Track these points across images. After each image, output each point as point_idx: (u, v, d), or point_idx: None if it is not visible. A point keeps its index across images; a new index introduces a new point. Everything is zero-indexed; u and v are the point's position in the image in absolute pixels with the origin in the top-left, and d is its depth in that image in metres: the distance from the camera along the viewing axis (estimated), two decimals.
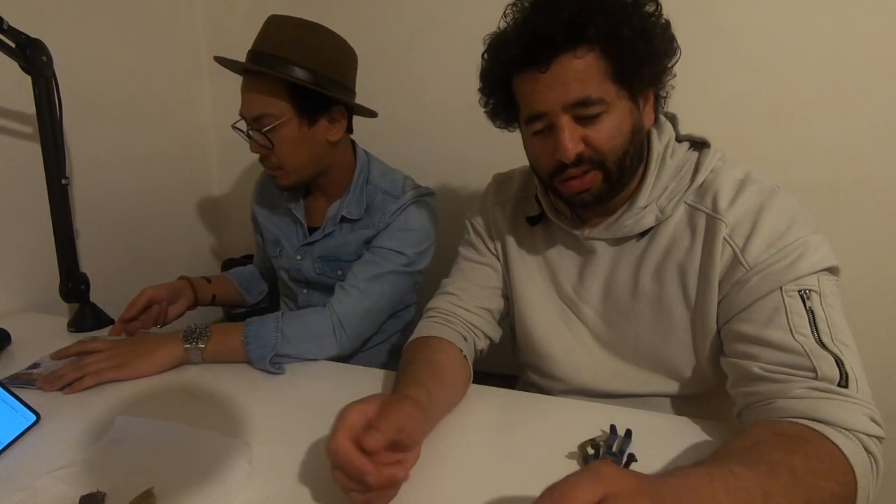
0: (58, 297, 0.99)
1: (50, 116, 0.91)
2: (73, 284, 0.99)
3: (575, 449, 0.60)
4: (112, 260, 1.30)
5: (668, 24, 0.63)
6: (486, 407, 0.70)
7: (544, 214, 0.78)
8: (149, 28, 1.35)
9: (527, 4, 0.63)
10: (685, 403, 0.74)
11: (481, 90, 0.72)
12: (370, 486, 0.47)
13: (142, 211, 1.39)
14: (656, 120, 0.70)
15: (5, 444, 0.60)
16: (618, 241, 0.72)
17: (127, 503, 0.49)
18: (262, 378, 0.79)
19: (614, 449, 0.57)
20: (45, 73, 0.89)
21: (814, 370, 0.53)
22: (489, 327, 0.82)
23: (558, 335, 0.78)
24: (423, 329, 0.77)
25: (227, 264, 1.51)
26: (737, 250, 0.62)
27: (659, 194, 0.68)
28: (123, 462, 0.57)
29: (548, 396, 0.77)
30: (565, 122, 0.62)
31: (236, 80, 0.95)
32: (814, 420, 0.50)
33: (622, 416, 0.65)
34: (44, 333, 0.91)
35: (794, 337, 0.56)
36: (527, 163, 0.75)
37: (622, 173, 0.65)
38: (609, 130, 0.62)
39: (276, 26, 0.91)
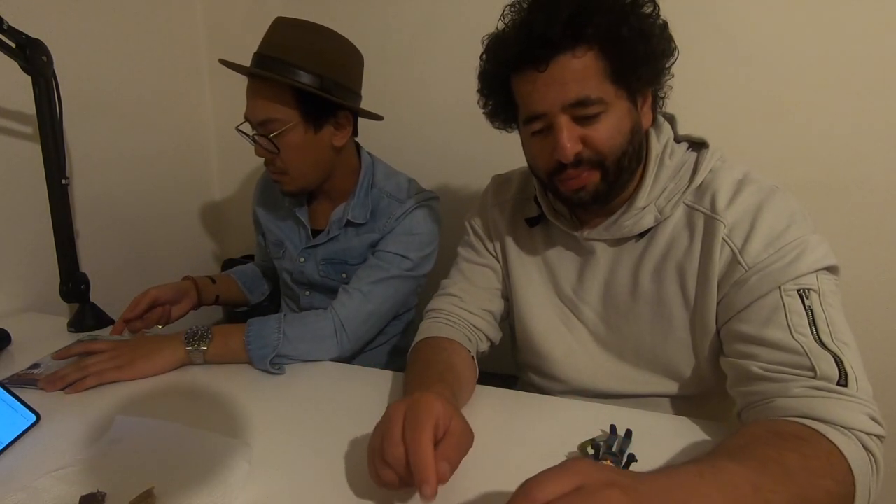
0: (58, 297, 0.99)
1: (50, 116, 0.91)
2: (73, 284, 0.99)
3: (575, 449, 0.60)
4: (112, 260, 1.30)
5: (665, 25, 0.63)
6: (486, 407, 0.70)
7: (543, 216, 0.78)
8: (149, 28, 1.35)
9: (525, 5, 0.63)
10: (685, 404, 0.74)
11: (480, 91, 0.72)
12: (410, 484, 0.47)
13: (142, 211, 1.39)
14: (654, 120, 0.70)
15: (5, 444, 0.60)
16: (617, 242, 0.72)
17: (127, 503, 0.49)
18: (262, 378, 0.79)
19: (614, 449, 0.57)
20: (45, 73, 0.89)
21: (813, 369, 0.53)
22: (491, 329, 0.82)
23: (558, 336, 0.78)
24: (431, 330, 0.77)
25: (227, 264, 1.50)
26: (735, 250, 0.62)
27: (658, 195, 0.68)
28: (123, 462, 0.57)
29: (548, 396, 0.77)
30: (564, 122, 0.62)
31: (237, 81, 0.95)
32: (812, 419, 0.50)
33: (622, 416, 0.65)
34: (44, 333, 0.91)
35: (793, 336, 0.56)
36: (526, 164, 0.75)
37: (620, 173, 0.65)
38: (608, 130, 0.62)
39: (283, 29, 0.90)
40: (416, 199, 0.99)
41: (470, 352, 0.75)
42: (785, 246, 0.60)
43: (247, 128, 0.93)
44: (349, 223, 1.01)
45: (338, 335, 0.87)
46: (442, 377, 0.63)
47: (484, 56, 0.69)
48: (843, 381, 0.52)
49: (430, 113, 1.36)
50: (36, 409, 0.65)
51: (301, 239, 1.07)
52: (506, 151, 0.90)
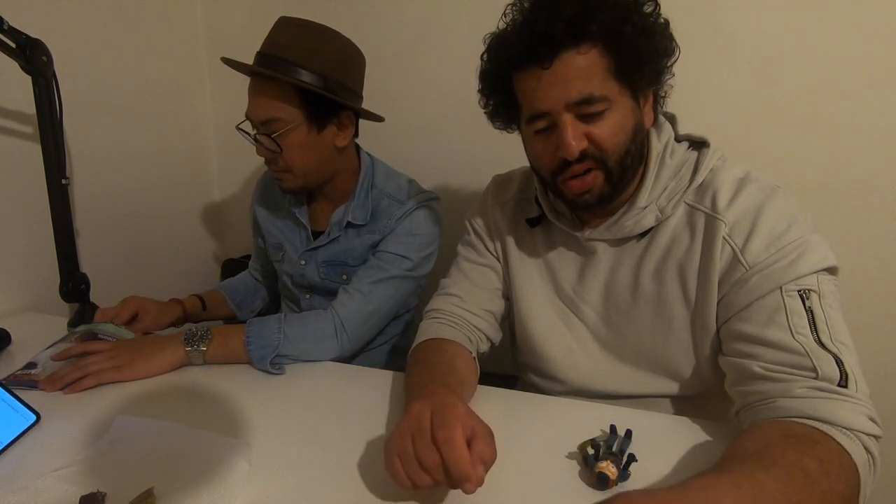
0: (58, 297, 0.99)
1: (50, 116, 0.91)
2: (73, 284, 0.99)
3: (575, 449, 0.60)
4: (112, 260, 1.30)
5: (667, 24, 0.63)
6: (486, 407, 0.70)
7: (544, 216, 0.77)
8: (149, 28, 1.35)
9: (526, 4, 0.63)
10: (685, 404, 0.74)
11: (481, 91, 0.72)
12: (444, 483, 0.47)
13: (142, 211, 1.38)
14: (655, 120, 0.70)
15: (5, 444, 0.60)
16: (618, 242, 0.72)
17: (127, 503, 0.49)
18: (262, 378, 0.79)
19: (614, 449, 0.57)
20: (45, 73, 0.89)
21: (814, 370, 0.54)
22: (491, 330, 0.82)
23: (558, 336, 0.78)
24: (432, 330, 0.77)
25: (227, 264, 1.51)
26: (736, 250, 0.62)
27: (658, 194, 0.68)
28: (123, 462, 0.57)
29: (548, 396, 0.77)
30: (568, 119, 0.61)
31: (237, 80, 0.95)
32: (816, 420, 0.51)
33: (622, 416, 0.65)
34: (44, 333, 0.91)
35: (794, 337, 0.56)
36: (527, 164, 0.75)
37: (623, 172, 0.65)
38: (612, 128, 0.62)
39: (287, 29, 0.90)
40: (417, 200, 0.99)
41: (471, 353, 0.75)
42: (786, 246, 0.60)
43: (247, 126, 0.93)
44: (349, 224, 1.01)
45: (338, 335, 0.87)
46: (445, 380, 0.63)
47: (485, 55, 0.69)
48: (843, 381, 0.52)
49: (430, 113, 1.36)
50: (36, 409, 0.65)
51: (301, 241, 1.07)
52: (506, 152, 0.90)
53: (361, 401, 0.72)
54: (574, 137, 0.61)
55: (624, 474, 0.54)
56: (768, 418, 0.54)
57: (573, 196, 0.67)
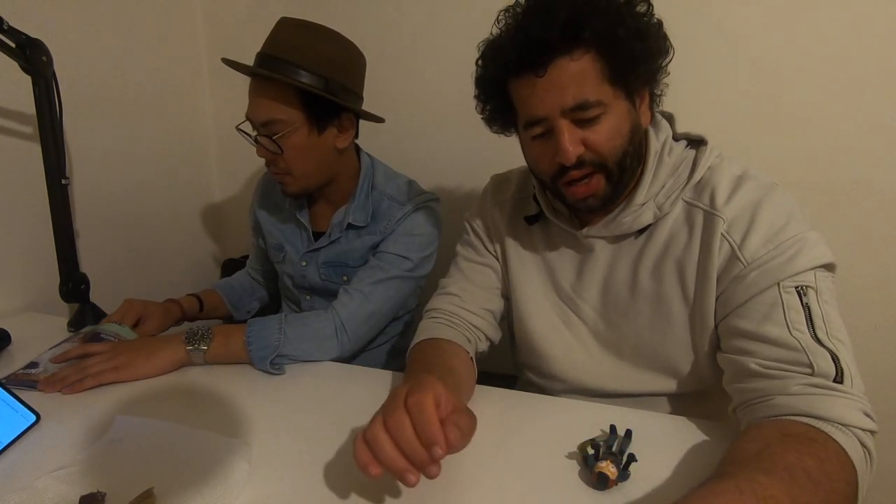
0: (58, 297, 0.99)
1: (50, 116, 0.91)
2: (73, 284, 0.99)
3: (575, 449, 0.60)
4: (112, 260, 1.30)
5: (660, 24, 0.64)
6: (486, 407, 0.70)
7: (542, 214, 0.78)
8: (149, 28, 1.35)
9: (519, 10, 0.63)
10: (684, 402, 0.74)
11: (477, 96, 0.72)
12: (418, 458, 0.46)
13: (142, 211, 1.38)
14: (652, 118, 0.71)
15: (5, 444, 0.60)
16: (616, 239, 0.72)
17: (127, 503, 0.49)
18: (262, 378, 0.79)
19: (614, 449, 0.57)
20: (45, 73, 0.89)
21: (810, 366, 0.54)
22: (490, 329, 0.82)
23: (557, 334, 0.78)
24: (430, 330, 0.77)
25: (227, 264, 1.50)
26: (734, 246, 0.62)
27: (657, 192, 0.68)
28: (123, 462, 0.57)
29: (548, 396, 0.77)
30: (564, 125, 0.62)
31: (237, 81, 0.95)
32: (813, 417, 0.51)
33: (622, 416, 0.65)
34: (44, 333, 0.91)
35: (790, 333, 0.56)
36: (525, 164, 0.75)
37: (623, 173, 0.66)
38: (608, 132, 0.62)
39: (287, 30, 0.90)
40: (417, 201, 0.99)
41: (469, 353, 0.75)
42: (784, 242, 0.60)
43: (247, 127, 0.93)
44: (350, 226, 1.01)
45: (338, 335, 0.87)
46: (441, 380, 0.63)
47: (480, 61, 0.69)
48: (839, 377, 0.53)
49: (430, 114, 1.36)
50: (36, 409, 0.65)
51: (302, 242, 1.07)
52: (505, 152, 0.90)
53: (361, 401, 0.72)
54: (571, 143, 0.62)
55: (624, 474, 0.54)
56: (765, 416, 0.54)
57: (576, 201, 0.67)
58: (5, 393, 0.65)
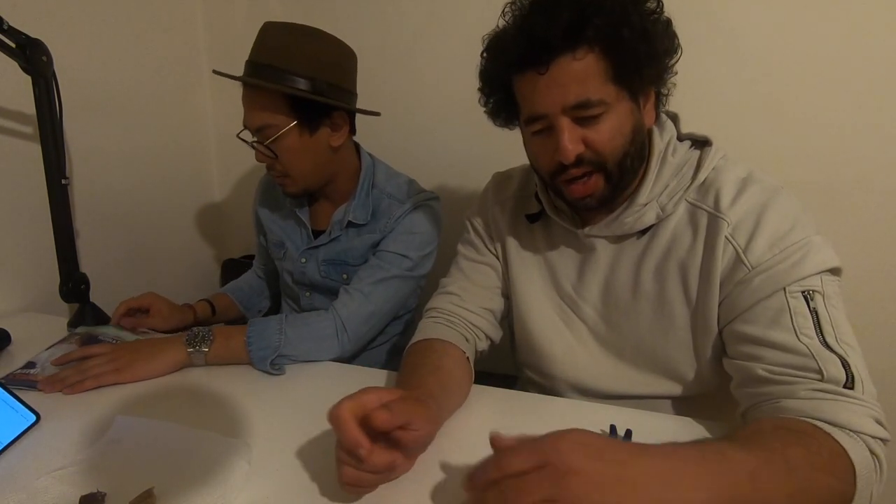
0: (58, 297, 0.99)
1: (50, 116, 0.91)
2: (73, 284, 0.99)
3: None
4: (112, 260, 1.30)
5: (668, 22, 0.63)
6: (486, 407, 0.70)
7: (544, 212, 0.77)
8: (149, 28, 1.35)
9: (526, 3, 0.62)
10: (685, 406, 0.73)
11: (481, 90, 0.72)
12: (362, 461, 0.47)
13: (142, 211, 1.38)
14: (657, 118, 0.70)
15: (5, 444, 0.60)
16: (618, 239, 0.72)
17: (127, 503, 0.49)
18: (262, 378, 0.79)
19: None
20: (45, 73, 0.89)
21: (819, 371, 0.53)
22: (491, 328, 0.82)
23: (557, 334, 0.78)
24: (426, 330, 0.77)
25: (227, 264, 1.51)
26: (739, 250, 0.62)
27: (660, 192, 0.68)
28: (123, 462, 0.57)
29: (548, 397, 0.77)
30: (565, 123, 0.61)
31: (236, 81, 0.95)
32: (820, 420, 0.50)
33: (622, 417, 0.65)
34: (44, 333, 0.91)
35: (798, 338, 0.56)
36: (527, 161, 0.75)
37: (623, 174, 0.65)
38: (609, 132, 0.62)
39: (272, 34, 0.90)
40: (416, 200, 0.99)
41: (465, 352, 0.74)
42: (789, 247, 0.59)
43: (247, 135, 0.94)
44: (350, 224, 1.01)
45: (339, 336, 0.87)
46: (423, 381, 0.64)
47: (485, 55, 0.69)
48: (849, 383, 0.52)
49: (431, 112, 1.36)
50: (36, 409, 0.65)
51: (302, 239, 1.07)
52: (507, 150, 0.90)
53: None
54: (570, 141, 0.61)
55: None
56: (770, 417, 0.54)
57: (574, 199, 0.67)
58: (5, 393, 0.65)
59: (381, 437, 0.50)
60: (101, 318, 1.00)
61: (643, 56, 0.60)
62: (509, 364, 0.92)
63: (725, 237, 0.63)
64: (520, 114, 0.68)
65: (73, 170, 1.17)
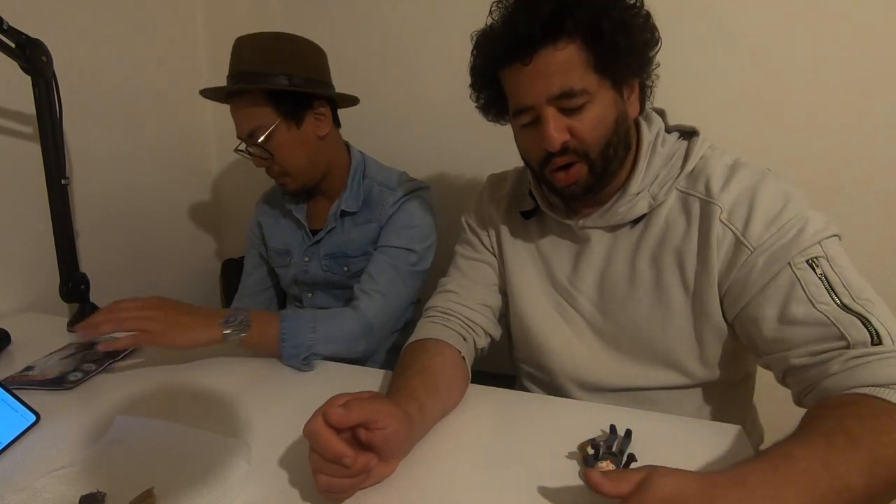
0: (58, 297, 0.99)
1: (50, 116, 0.91)
2: (73, 284, 0.99)
3: (575, 449, 0.60)
4: (112, 260, 1.30)
5: (648, 15, 0.65)
6: (486, 407, 0.70)
7: (538, 209, 0.78)
8: (149, 28, 1.35)
9: (510, 1, 0.65)
10: (686, 396, 0.73)
11: (472, 85, 0.74)
12: (347, 468, 0.47)
13: (142, 211, 1.38)
14: (643, 110, 0.72)
15: (5, 444, 0.60)
16: (612, 229, 0.73)
17: (127, 503, 0.49)
18: (262, 378, 0.79)
19: (614, 449, 0.57)
20: (45, 73, 0.89)
21: (844, 338, 0.53)
22: (490, 325, 0.82)
23: (554, 328, 0.79)
24: (422, 330, 0.77)
25: (227, 265, 1.50)
26: (737, 233, 0.63)
27: (651, 181, 0.69)
28: (123, 462, 0.57)
29: (547, 396, 0.77)
30: (550, 113, 0.63)
31: None
32: (859, 387, 0.50)
33: (622, 416, 0.65)
34: (44, 333, 0.91)
35: (815, 308, 0.56)
36: (521, 163, 0.76)
37: (607, 163, 0.67)
38: (593, 121, 0.64)
39: (244, 45, 0.95)
40: (407, 188, 1.03)
41: (461, 351, 0.74)
42: (785, 224, 0.60)
43: (243, 147, 0.98)
44: (343, 213, 1.05)
45: (367, 336, 0.90)
46: (408, 382, 0.64)
47: (474, 52, 0.71)
48: (876, 339, 0.52)
49: (426, 109, 1.36)
50: (36, 409, 0.65)
51: (303, 239, 1.10)
52: (500, 148, 0.91)
53: None
54: (556, 130, 0.63)
55: None
56: (817, 402, 0.53)
57: (560, 187, 0.69)
58: (5, 393, 0.65)
59: (355, 441, 0.50)
60: None
61: (623, 47, 0.61)
62: (508, 364, 0.92)
63: (721, 221, 0.64)
64: (509, 108, 0.70)
65: (73, 170, 1.17)
